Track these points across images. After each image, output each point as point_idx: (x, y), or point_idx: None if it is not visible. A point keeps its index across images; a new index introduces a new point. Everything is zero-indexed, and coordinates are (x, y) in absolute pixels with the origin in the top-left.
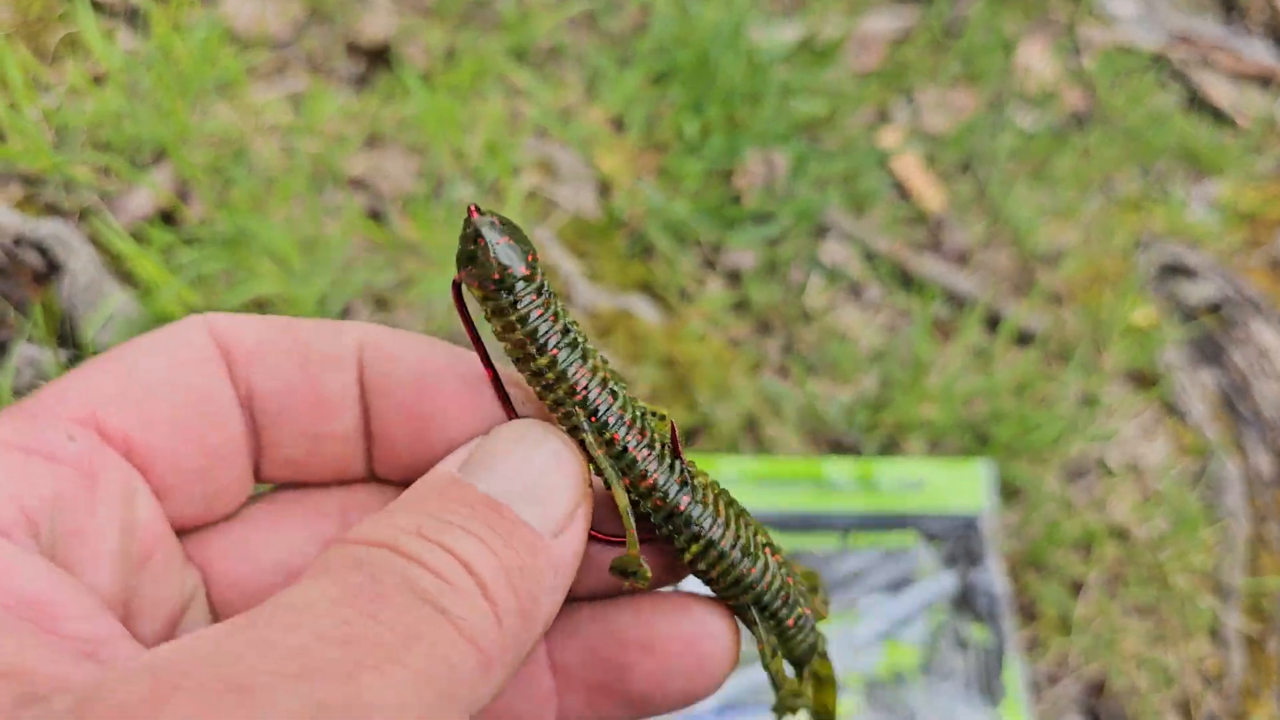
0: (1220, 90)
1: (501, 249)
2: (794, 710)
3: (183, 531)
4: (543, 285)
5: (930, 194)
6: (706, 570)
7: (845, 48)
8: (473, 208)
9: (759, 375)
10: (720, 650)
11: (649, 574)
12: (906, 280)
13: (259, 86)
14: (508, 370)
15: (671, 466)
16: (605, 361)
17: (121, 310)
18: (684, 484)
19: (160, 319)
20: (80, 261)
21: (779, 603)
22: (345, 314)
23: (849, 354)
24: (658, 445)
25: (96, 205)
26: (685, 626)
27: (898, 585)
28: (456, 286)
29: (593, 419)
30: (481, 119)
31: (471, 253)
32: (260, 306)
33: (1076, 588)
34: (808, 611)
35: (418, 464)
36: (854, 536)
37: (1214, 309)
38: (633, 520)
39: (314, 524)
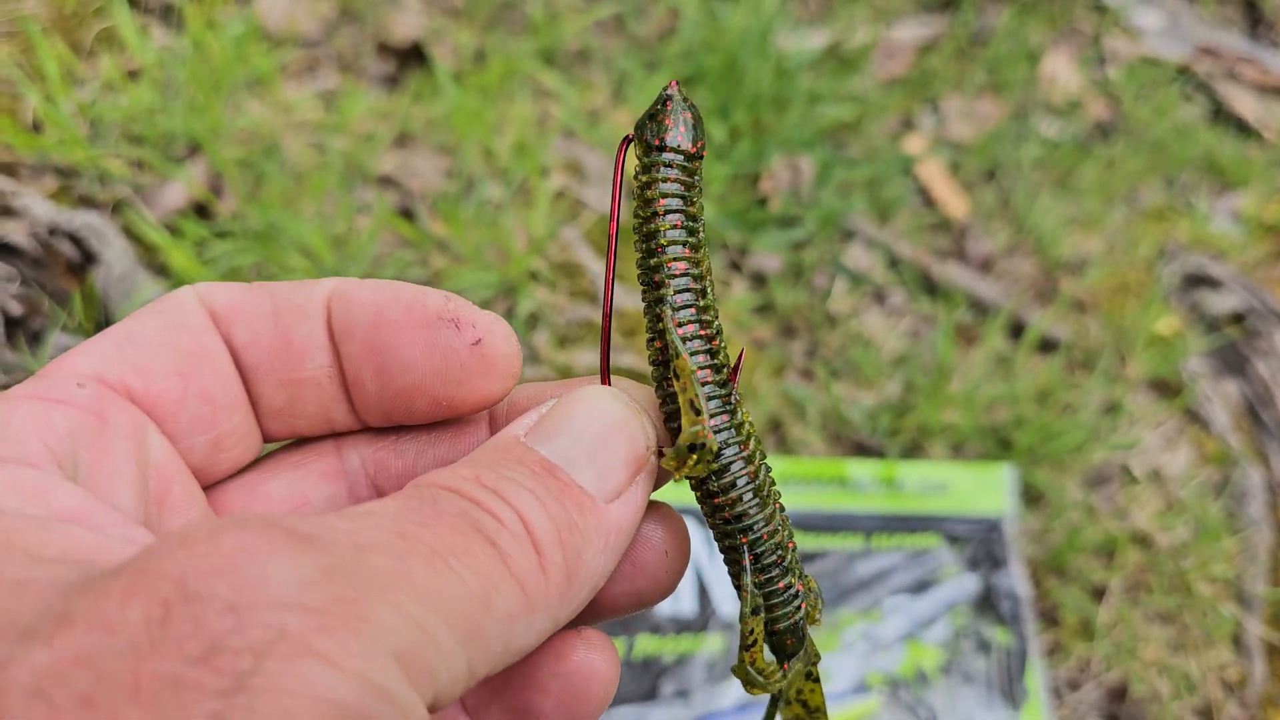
0: (1245, 103)
1: (681, 120)
2: (763, 687)
3: (205, 485)
4: (696, 174)
5: (954, 202)
6: (714, 495)
7: (872, 55)
8: (676, 82)
9: (783, 377)
10: (601, 685)
11: (715, 446)
12: (930, 287)
13: (290, 84)
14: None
15: (723, 384)
16: (711, 272)
17: None
18: (726, 403)
19: None
20: (114, 252)
21: (773, 558)
22: None
23: (872, 358)
24: (720, 357)
25: (130, 198)
26: (570, 663)
27: (921, 586)
28: (626, 141)
29: (677, 298)
30: (510, 120)
31: (654, 113)
32: None
33: (1098, 593)
34: (800, 587)
35: (393, 407)
36: (877, 537)
37: (1237, 319)
38: (701, 389)
39: (322, 466)
